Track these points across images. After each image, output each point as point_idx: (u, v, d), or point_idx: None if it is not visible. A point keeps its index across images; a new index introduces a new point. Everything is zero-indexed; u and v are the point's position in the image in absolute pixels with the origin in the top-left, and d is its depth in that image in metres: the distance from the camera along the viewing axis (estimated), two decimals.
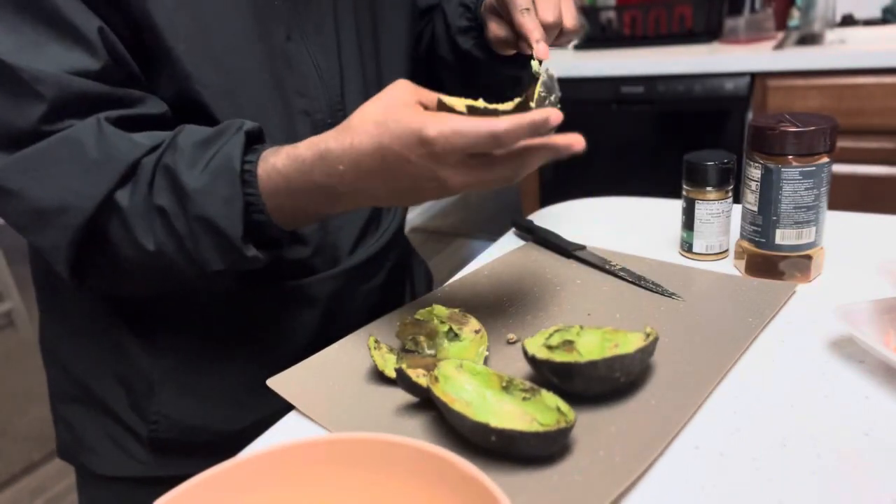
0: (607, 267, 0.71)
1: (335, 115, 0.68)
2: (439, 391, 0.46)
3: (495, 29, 0.67)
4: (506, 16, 0.63)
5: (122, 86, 0.55)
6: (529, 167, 0.49)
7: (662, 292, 0.66)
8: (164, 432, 0.67)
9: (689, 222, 0.72)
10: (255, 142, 0.54)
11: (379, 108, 0.49)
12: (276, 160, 0.52)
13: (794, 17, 2.08)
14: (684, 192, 0.72)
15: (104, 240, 0.54)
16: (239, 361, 0.68)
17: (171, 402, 0.66)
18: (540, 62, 0.55)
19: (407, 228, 0.86)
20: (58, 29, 0.51)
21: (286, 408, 0.54)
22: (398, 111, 0.48)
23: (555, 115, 0.46)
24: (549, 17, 0.59)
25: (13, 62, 0.50)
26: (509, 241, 0.84)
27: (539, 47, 0.57)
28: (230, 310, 0.67)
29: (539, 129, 0.45)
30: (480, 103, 0.48)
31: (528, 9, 0.59)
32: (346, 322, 0.68)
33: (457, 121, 0.45)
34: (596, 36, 2.25)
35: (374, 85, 0.73)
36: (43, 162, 0.51)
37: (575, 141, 0.46)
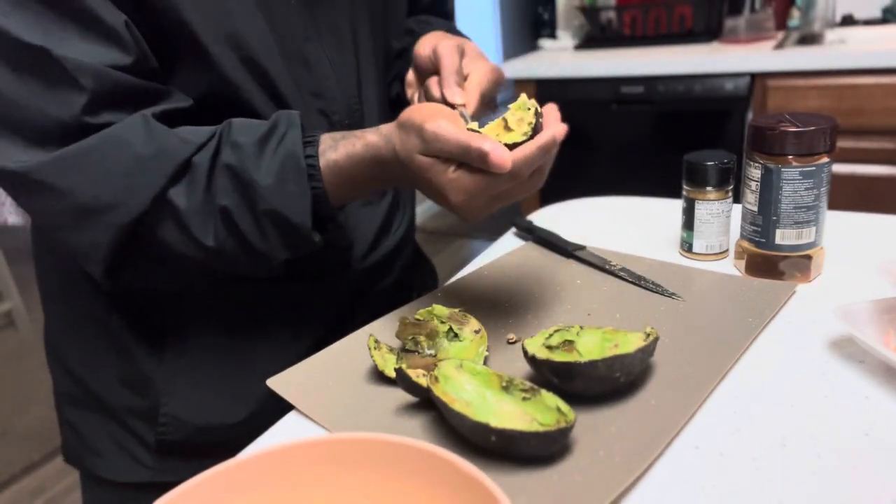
0: (607, 267, 0.71)
1: (353, 115, 0.67)
2: (439, 391, 0.46)
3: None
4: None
5: (150, 80, 0.55)
6: (543, 175, 0.53)
7: (662, 292, 0.66)
8: (172, 434, 0.67)
9: (689, 222, 0.72)
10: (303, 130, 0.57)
11: (418, 141, 0.51)
12: (337, 157, 0.55)
13: (794, 17, 2.08)
14: (684, 192, 0.72)
15: (150, 236, 0.54)
16: (249, 365, 0.68)
17: (179, 403, 0.66)
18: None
19: None
20: (87, 24, 0.51)
21: (288, 406, 0.54)
22: (428, 168, 0.51)
23: (560, 130, 0.49)
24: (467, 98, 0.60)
25: (57, 52, 0.49)
26: (509, 241, 0.84)
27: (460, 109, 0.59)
28: (242, 311, 0.67)
29: (550, 150, 0.49)
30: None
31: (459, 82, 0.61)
32: (357, 322, 0.68)
33: (469, 182, 0.49)
34: (596, 36, 2.25)
35: (387, 86, 0.73)
36: (89, 159, 0.51)
37: (559, 131, 0.50)
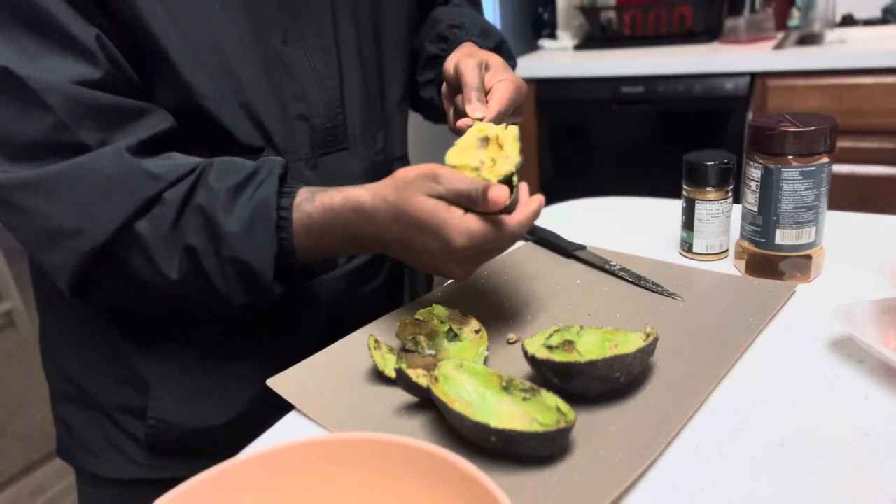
0: (607, 267, 0.71)
1: (334, 119, 0.67)
2: (439, 391, 0.46)
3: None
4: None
5: (126, 94, 0.55)
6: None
7: (662, 292, 0.66)
8: (161, 436, 0.67)
9: (689, 222, 0.72)
10: (284, 180, 0.57)
11: (408, 191, 0.52)
12: (312, 209, 0.55)
13: (794, 17, 2.09)
14: (684, 192, 0.72)
15: (120, 263, 0.55)
16: (240, 366, 0.68)
17: (168, 406, 0.66)
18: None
19: None
20: (55, 39, 0.51)
21: (278, 406, 0.54)
22: (424, 207, 0.51)
23: (540, 200, 0.54)
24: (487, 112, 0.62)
25: (20, 72, 0.49)
26: None
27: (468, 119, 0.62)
28: (231, 316, 0.67)
29: (537, 215, 0.54)
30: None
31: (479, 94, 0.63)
32: (347, 324, 0.68)
33: (476, 226, 0.51)
34: (596, 36, 2.25)
35: (375, 88, 0.72)
36: (59, 185, 0.51)
37: (541, 199, 0.55)
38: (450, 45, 0.74)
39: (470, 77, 0.63)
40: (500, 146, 0.57)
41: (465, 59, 0.65)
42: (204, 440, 0.68)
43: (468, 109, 0.62)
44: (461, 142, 0.57)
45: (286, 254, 0.56)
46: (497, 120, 0.61)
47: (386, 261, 0.77)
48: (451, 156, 0.58)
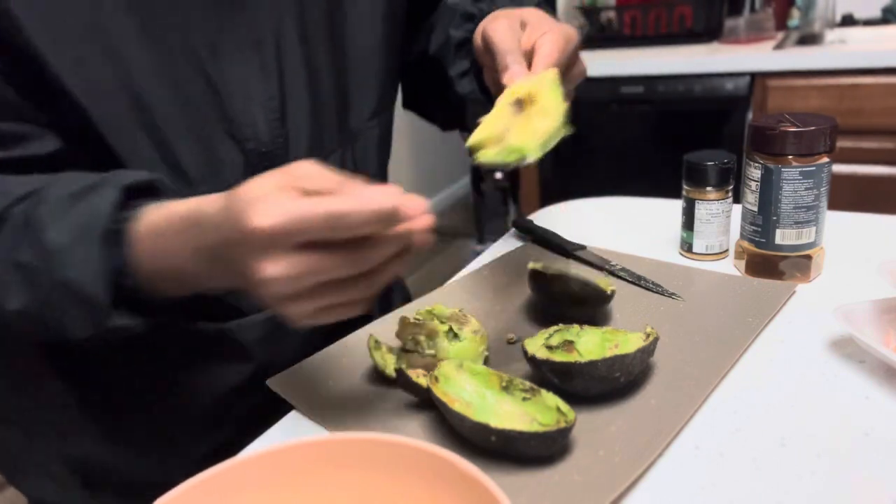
0: (607, 267, 0.71)
1: (275, 141, 0.59)
2: (439, 391, 0.46)
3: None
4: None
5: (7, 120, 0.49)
6: (382, 275, 0.40)
7: (662, 292, 0.65)
8: (89, 475, 0.63)
9: (689, 222, 0.72)
10: (144, 196, 0.46)
11: (259, 183, 0.39)
12: (158, 217, 0.44)
13: (794, 17, 2.09)
14: (684, 192, 0.72)
15: None
16: (157, 412, 0.63)
17: (87, 446, 0.62)
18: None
19: None
20: None
21: (287, 408, 0.54)
22: (257, 192, 0.38)
23: (413, 204, 0.38)
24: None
25: None
26: (509, 242, 0.84)
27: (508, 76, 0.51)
28: (144, 359, 0.60)
29: (387, 218, 0.37)
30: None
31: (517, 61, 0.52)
32: (279, 368, 0.58)
33: (287, 205, 0.37)
34: (596, 36, 2.25)
35: (333, 103, 0.64)
36: None
37: (423, 223, 0.38)
38: (475, 25, 0.62)
39: (501, 40, 0.52)
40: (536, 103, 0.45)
41: (491, 23, 0.54)
42: (133, 484, 0.62)
43: (504, 79, 0.51)
44: (489, 117, 0.46)
45: (124, 275, 0.45)
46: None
47: None
48: (473, 137, 0.47)
